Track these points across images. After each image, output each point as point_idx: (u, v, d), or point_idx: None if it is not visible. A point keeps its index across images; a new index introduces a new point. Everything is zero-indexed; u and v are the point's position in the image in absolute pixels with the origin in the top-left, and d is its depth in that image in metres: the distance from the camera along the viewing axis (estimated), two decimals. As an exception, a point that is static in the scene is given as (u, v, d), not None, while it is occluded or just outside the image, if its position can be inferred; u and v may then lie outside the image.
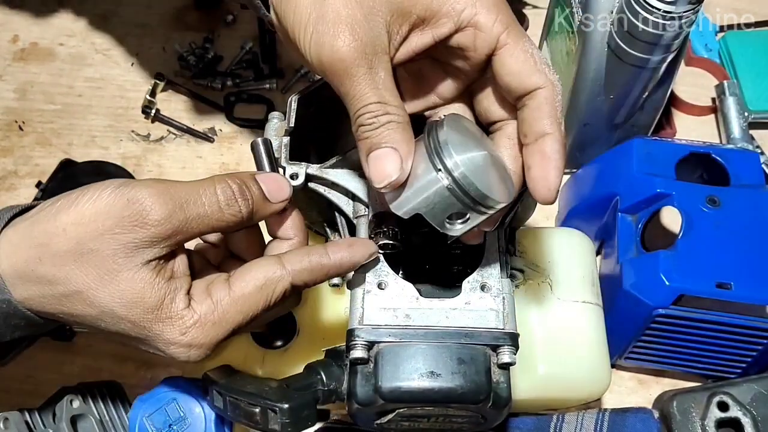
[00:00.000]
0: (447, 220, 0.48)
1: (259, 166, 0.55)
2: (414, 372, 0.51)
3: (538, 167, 0.48)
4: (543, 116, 0.48)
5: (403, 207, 0.48)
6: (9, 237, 0.48)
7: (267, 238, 0.56)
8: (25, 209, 0.50)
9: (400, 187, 0.48)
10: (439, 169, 0.46)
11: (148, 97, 0.96)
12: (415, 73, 0.53)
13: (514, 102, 0.50)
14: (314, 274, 0.51)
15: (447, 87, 0.54)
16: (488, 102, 0.52)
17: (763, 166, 0.83)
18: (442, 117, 0.49)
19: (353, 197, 0.59)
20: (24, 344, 0.57)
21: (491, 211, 0.48)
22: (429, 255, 0.60)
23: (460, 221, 0.48)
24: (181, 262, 0.50)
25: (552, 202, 0.49)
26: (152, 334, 0.48)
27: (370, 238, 0.56)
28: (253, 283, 0.50)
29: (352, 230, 0.61)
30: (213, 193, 0.49)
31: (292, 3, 0.48)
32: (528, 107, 0.48)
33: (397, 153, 0.47)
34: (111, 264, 0.46)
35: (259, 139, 0.55)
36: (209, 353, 0.50)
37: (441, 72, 0.53)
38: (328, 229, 0.68)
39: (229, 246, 0.57)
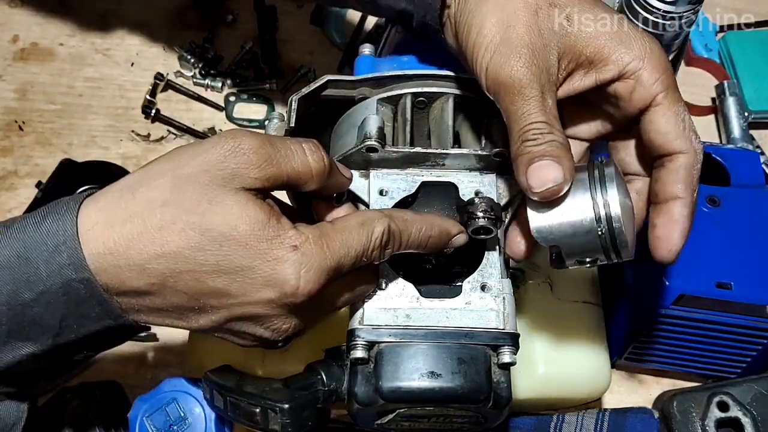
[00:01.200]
0: (578, 260, 0.50)
1: None
2: (414, 372, 0.51)
3: (664, 228, 0.50)
4: (678, 180, 0.50)
5: (544, 233, 0.49)
6: (93, 197, 0.47)
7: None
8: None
9: (551, 206, 0.49)
10: (597, 211, 0.48)
11: (148, 97, 0.96)
12: (565, 111, 0.55)
13: (652, 161, 0.52)
14: (408, 225, 0.50)
15: (590, 130, 0.56)
16: (626, 153, 0.55)
17: (763, 166, 0.83)
18: (612, 159, 0.51)
19: (353, 197, 0.59)
20: (83, 361, 0.54)
21: (616, 260, 0.49)
22: (429, 255, 0.60)
23: (589, 260, 0.50)
24: (275, 204, 0.49)
25: (672, 263, 0.51)
26: (262, 253, 0.45)
27: None
28: (354, 220, 0.49)
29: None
30: (297, 141, 0.49)
31: (477, 24, 0.51)
32: (665, 168, 0.50)
33: (560, 164, 0.47)
34: (210, 187, 0.45)
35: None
36: (320, 287, 0.46)
37: (589, 114, 0.55)
38: (328, 229, 0.68)
39: None
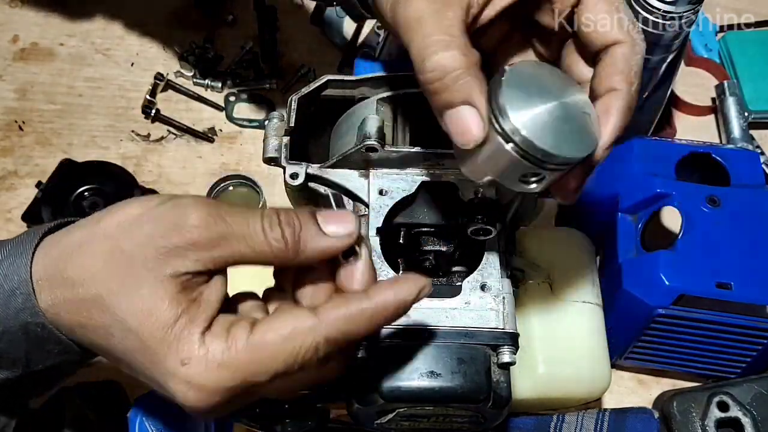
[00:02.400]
0: (522, 180, 0.45)
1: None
2: (414, 372, 0.51)
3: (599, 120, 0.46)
4: (615, 72, 0.46)
5: (475, 176, 0.46)
6: (50, 240, 0.46)
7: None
8: (61, 224, 0.48)
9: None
10: (501, 134, 0.43)
11: (148, 97, 0.96)
12: (500, 41, 0.53)
13: (592, 58, 0.48)
14: (353, 324, 0.43)
15: (530, 56, 0.53)
16: (571, 60, 0.50)
17: (763, 166, 0.83)
18: (506, 69, 0.45)
19: (353, 197, 0.59)
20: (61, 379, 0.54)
21: (567, 167, 0.45)
22: (429, 254, 0.60)
23: (534, 179, 0.45)
24: (214, 289, 0.45)
25: (598, 162, 0.47)
26: (155, 357, 0.42)
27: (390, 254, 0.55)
28: (278, 332, 0.42)
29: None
30: (257, 215, 0.44)
31: None
32: (602, 62, 0.47)
33: (476, 110, 0.43)
34: (139, 269, 0.43)
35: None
36: (211, 405, 0.42)
37: (524, 38, 0.53)
38: (328, 229, 0.68)
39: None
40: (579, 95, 0.46)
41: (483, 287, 0.54)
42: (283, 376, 0.43)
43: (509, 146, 0.43)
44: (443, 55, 0.44)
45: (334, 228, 0.45)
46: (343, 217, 0.46)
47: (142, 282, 0.43)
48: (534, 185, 0.45)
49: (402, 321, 0.52)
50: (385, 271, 0.55)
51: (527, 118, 0.43)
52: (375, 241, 0.56)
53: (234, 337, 0.42)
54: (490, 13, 0.47)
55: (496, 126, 0.43)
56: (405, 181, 0.58)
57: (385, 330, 0.52)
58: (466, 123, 0.44)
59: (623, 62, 0.46)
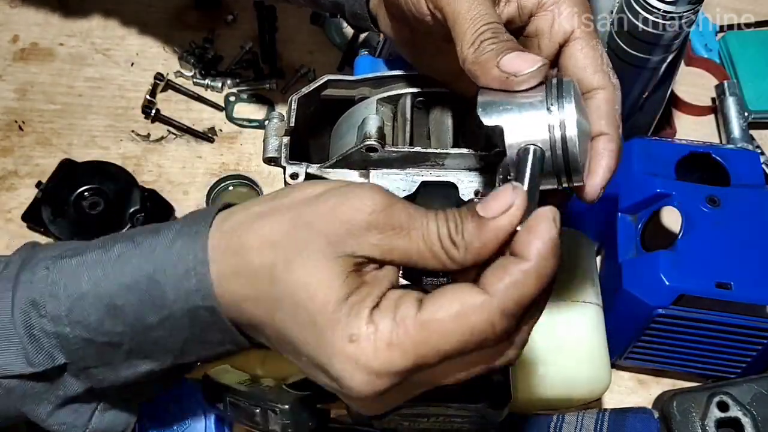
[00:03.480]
0: (515, 162, 0.45)
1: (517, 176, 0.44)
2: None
3: (590, 163, 0.47)
4: (601, 116, 0.47)
5: (494, 112, 0.45)
6: (222, 215, 0.45)
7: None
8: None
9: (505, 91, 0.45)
10: (551, 109, 0.44)
11: (148, 97, 0.96)
12: None
13: None
14: (524, 288, 0.39)
15: None
16: None
17: (763, 166, 0.83)
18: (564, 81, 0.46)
19: (353, 197, 0.59)
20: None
21: (565, 185, 0.46)
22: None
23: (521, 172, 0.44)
24: (386, 272, 0.43)
25: (593, 202, 0.47)
26: (323, 334, 0.40)
27: None
28: (448, 310, 0.39)
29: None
30: (433, 217, 0.42)
31: None
32: (588, 107, 0.48)
33: (531, 56, 0.45)
34: (320, 242, 0.41)
35: (531, 148, 0.45)
36: (378, 391, 0.39)
37: None
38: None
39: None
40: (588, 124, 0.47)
41: (483, 287, 0.54)
42: (456, 357, 0.39)
43: (553, 145, 0.44)
44: (499, 27, 0.46)
45: (493, 208, 0.41)
46: (499, 194, 0.42)
47: (320, 255, 0.41)
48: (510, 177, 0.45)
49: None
50: (385, 271, 0.54)
51: (582, 119, 0.45)
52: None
53: (402, 314, 0.39)
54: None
55: (553, 103, 0.44)
56: (405, 181, 0.58)
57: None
58: (522, 59, 0.45)
59: (608, 107, 0.48)
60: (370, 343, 0.39)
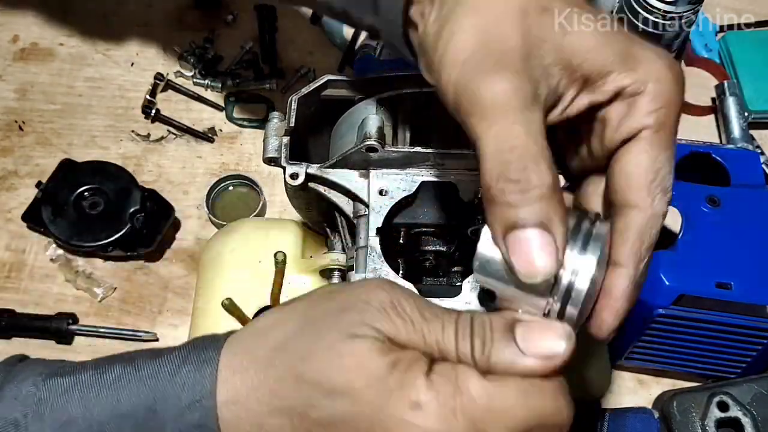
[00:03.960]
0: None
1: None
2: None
3: (599, 301, 0.41)
4: (624, 242, 0.40)
5: (491, 276, 0.40)
6: (234, 337, 0.42)
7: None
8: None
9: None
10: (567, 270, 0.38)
11: (148, 97, 0.96)
12: None
13: (608, 211, 0.43)
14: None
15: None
16: (593, 190, 0.44)
17: (763, 166, 0.83)
18: (597, 228, 0.40)
19: (353, 197, 0.59)
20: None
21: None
22: (429, 255, 0.60)
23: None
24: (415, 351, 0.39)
25: (603, 340, 0.42)
26: (376, 412, 0.37)
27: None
28: (515, 385, 0.37)
29: (352, 230, 0.61)
30: (452, 319, 0.39)
31: (447, 34, 0.40)
32: (615, 225, 0.41)
33: (551, 237, 0.37)
34: (333, 330, 0.38)
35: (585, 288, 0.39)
36: None
37: (568, 143, 0.46)
38: (328, 229, 0.68)
39: None
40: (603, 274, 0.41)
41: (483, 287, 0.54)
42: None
43: (553, 296, 0.39)
44: (531, 166, 0.37)
45: (536, 346, 0.38)
46: (549, 330, 0.38)
47: (341, 339, 0.38)
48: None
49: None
50: (385, 271, 0.55)
51: (588, 289, 0.39)
52: (375, 241, 0.56)
53: (464, 380, 0.37)
54: (552, 119, 0.41)
55: (567, 268, 0.38)
56: (405, 181, 0.58)
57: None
58: (535, 251, 0.37)
59: (636, 234, 0.40)
60: (434, 409, 0.36)
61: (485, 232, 0.39)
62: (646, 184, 0.40)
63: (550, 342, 0.38)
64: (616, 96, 0.41)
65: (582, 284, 0.38)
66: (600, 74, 0.40)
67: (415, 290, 0.54)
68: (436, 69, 0.41)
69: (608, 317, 0.41)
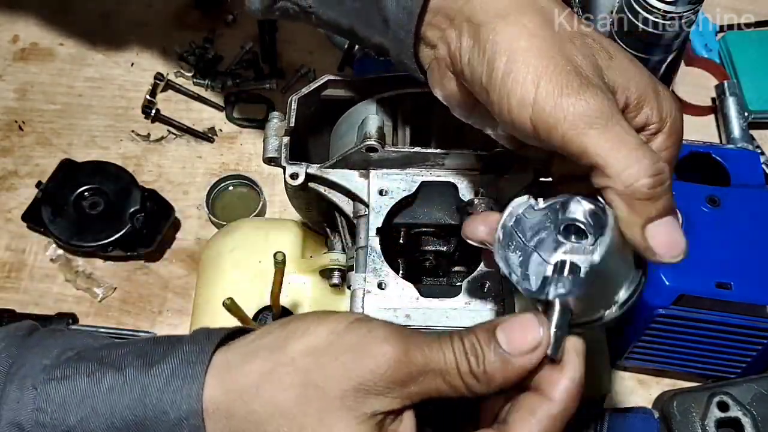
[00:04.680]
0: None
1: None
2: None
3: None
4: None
5: (508, 267, 0.43)
6: (225, 360, 0.42)
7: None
8: (238, 331, 0.44)
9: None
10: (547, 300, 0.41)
11: (148, 97, 0.96)
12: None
13: None
14: (551, 431, 0.40)
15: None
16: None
17: (763, 166, 0.83)
18: (596, 243, 0.42)
19: (353, 197, 0.59)
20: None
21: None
22: (429, 255, 0.60)
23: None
24: (408, 422, 0.42)
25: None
26: None
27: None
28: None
29: (352, 230, 0.61)
30: (449, 345, 0.41)
31: (500, 58, 0.43)
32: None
33: (678, 221, 0.42)
34: (336, 407, 0.40)
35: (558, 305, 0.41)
36: None
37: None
38: (328, 229, 0.68)
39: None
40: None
41: (483, 287, 0.54)
42: None
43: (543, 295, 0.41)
44: (656, 164, 0.41)
45: (518, 344, 0.40)
46: (524, 325, 0.41)
47: (339, 421, 0.40)
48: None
49: (402, 321, 0.52)
50: (385, 271, 0.55)
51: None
52: (375, 241, 0.56)
53: None
54: None
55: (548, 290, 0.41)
56: (405, 181, 0.58)
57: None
58: (678, 234, 0.42)
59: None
60: None
61: (516, 204, 0.43)
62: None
63: (528, 335, 0.40)
64: (642, 128, 0.44)
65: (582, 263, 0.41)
66: (638, 103, 0.44)
67: (415, 291, 0.54)
68: (497, 96, 0.43)
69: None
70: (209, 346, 0.43)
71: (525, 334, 0.40)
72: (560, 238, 0.43)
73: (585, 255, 0.41)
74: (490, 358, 0.40)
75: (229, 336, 0.44)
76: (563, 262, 0.41)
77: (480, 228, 0.45)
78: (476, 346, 0.41)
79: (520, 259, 0.44)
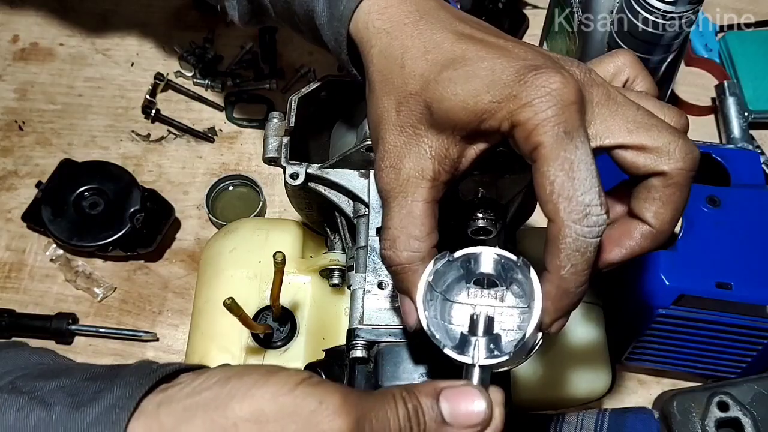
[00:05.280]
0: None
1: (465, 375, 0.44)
2: (414, 371, 0.51)
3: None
4: (547, 251, 0.42)
5: (429, 327, 0.44)
6: (156, 416, 0.39)
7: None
8: (175, 371, 0.42)
9: None
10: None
11: (148, 97, 0.96)
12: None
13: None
14: None
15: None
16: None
17: (763, 166, 0.83)
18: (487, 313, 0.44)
19: (353, 197, 0.59)
20: None
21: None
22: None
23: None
24: None
25: (553, 332, 0.44)
26: None
27: None
28: None
29: (352, 230, 0.61)
30: (392, 404, 0.41)
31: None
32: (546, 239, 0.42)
33: (413, 304, 0.44)
34: None
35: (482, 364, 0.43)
36: None
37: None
38: (328, 229, 0.68)
39: None
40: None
41: (483, 287, 0.54)
42: None
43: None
44: (403, 253, 0.44)
45: (462, 420, 0.41)
46: (466, 396, 0.42)
47: None
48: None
49: (402, 321, 0.52)
50: (385, 271, 0.54)
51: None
52: (375, 241, 0.56)
53: None
54: (464, 166, 0.46)
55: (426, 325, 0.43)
56: (405, 181, 0.58)
57: (385, 330, 0.52)
58: (406, 311, 0.45)
59: (552, 244, 0.42)
60: None
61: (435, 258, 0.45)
62: (549, 197, 0.41)
63: (471, 406, 0.41)
64: (507, 133, 0.43)
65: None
66: (477, 123, 0.43)
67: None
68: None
69: (536, 319, 0.43)
70: (139, 391, 0.40)
71: (470, 409, 0.41)
72: (470, 287, 0.45)
73: (512, 316, 0.44)
74: (431, 427, 0.41)
75: (168, 377, 0.42)
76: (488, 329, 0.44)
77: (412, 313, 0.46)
78: (418, 412, 0.41)
79: (441, 312, 0.45)
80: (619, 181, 0.48)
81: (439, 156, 0.45)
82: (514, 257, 0.44)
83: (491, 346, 0.43)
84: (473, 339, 0.43)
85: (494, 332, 0.44)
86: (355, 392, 0.41)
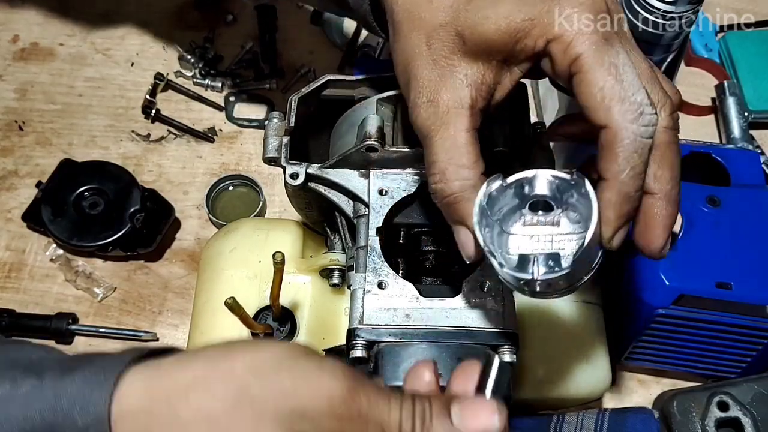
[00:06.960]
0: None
1: (481, 383, 0.43)
2: (414, 372, 0.51)
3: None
4: (601, 158, 0.43)
5: (487, 246, 0.45)
6: (157, 365, 0.40)
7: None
8: (169, 348, 0.42)
9: None
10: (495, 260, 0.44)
11: (148, 97, 0.96)
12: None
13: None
14: None
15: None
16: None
17: (763, 166, 0.83)
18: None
19: (353, 197, 0.59)
20: None
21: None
22: (429, 254, 0.60)
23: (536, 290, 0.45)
24: None
25: (613, 246, 0.45)
26: None
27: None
28: None
29: (352, 230, 0.61)
30: (398, 402, 0.40)
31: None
32: (599, 144, 0.43)
33: (471, 234, 0.45)
34: (268, 424, 0.38)
35: (497, 360, 0.43)
36: None
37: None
38: (328, 229, 0.68)
39: None
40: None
41: (483, 287, 0.54)
42: None
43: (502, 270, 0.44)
44: (455, 183, 0.45)
45: (471, 425, 0.41)
46: (482, 410, 0.41)
47: None
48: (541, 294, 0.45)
49: (402, 321, 0.52)
50: (385, 271, 0.55)
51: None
52: (375, 241, 0.56)
53: None
54: (500, 94, 0.47)
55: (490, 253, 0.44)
56: (405, 181, 0.58)
57: (385, 330, 0.52)
58: (464, 241, 0.46)
59: (608, 150, 0.43)
60: None
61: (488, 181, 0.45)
62: (602, 103, 0.42)
63: (484, 419, 0.40)
64: (541, 54, 0.45)
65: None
66: (511, 48, 0.45)
67: (415, 290, 0.54)
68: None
69: (604, 228, 0.44)
70: (130, 354, 0.41)
71: (480, 419, 0.40)
72: (526, 213, 0.45)
73: (571, 242, 0.44)
74: (436, 429, 0.40)
75: (164, 351, 0.42)
76: (546, 244, 0.44)
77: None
78: (426, 413, 0.40)
79: (498, 243, 0.45)
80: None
81: (476, 83, 0.46)
82: (567, 176, 0.44)
83: (550, 262, 0.43)
84: (532, 256, 0.43)
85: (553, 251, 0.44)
86: (363, 374, 0.41)
